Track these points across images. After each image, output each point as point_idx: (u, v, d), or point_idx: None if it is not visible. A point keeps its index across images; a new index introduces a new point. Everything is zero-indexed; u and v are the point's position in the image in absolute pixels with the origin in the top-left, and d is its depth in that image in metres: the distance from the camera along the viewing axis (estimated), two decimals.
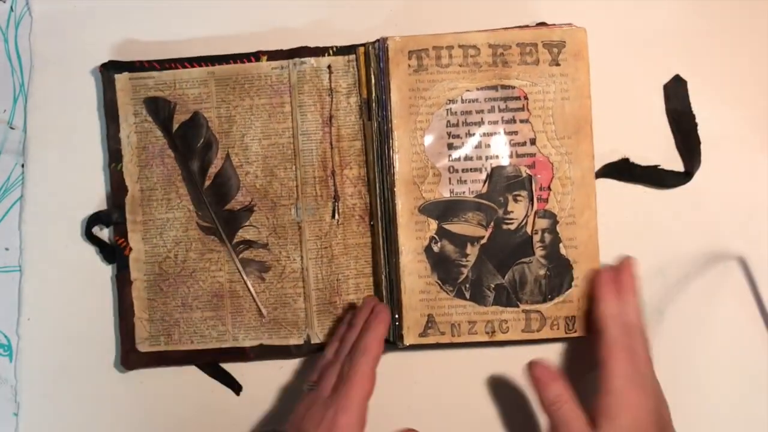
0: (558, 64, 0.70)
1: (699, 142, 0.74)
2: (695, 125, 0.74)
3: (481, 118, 0.71)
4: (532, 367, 0.65)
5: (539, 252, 0.71)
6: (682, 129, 0.74)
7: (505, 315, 0.71)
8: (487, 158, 0.71)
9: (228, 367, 0.75)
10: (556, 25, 0.71)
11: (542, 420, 0.73)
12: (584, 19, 0.71)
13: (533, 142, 0.71)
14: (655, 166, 0.74)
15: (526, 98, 0.71)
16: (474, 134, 0.71)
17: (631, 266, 0.69)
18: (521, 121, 0.71)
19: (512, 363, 0.73)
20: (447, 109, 0.71)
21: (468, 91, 0.71)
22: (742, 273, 0.74)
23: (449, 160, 0.71)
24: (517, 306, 0.71)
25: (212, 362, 0.75)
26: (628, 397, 0.62)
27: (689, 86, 0.75)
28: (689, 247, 0.74)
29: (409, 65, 0.71)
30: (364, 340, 0.66)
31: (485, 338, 0.71)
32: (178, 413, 0.75)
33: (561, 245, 0.71)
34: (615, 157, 0.74)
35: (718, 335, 0.74)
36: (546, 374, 0.64)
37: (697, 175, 0.74)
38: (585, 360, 0.71)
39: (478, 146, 0.71)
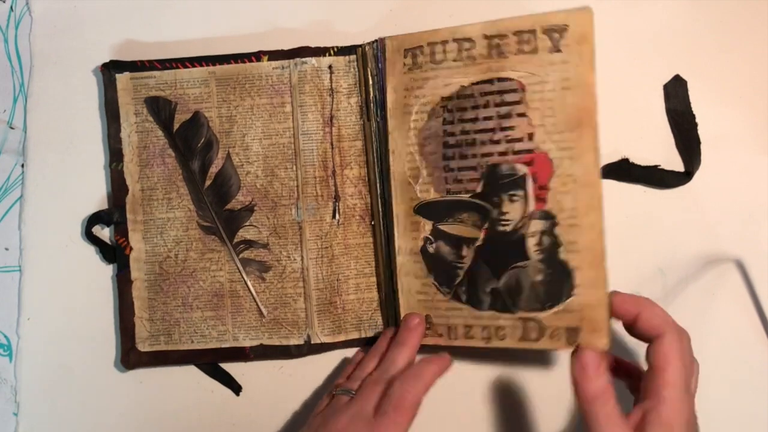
0: (559, 51, 0.65)
1: (699, 142, 0.74)
2: (695, 125, 0.74)
3: (477, 115, 0.68)
4: (579, 353, 0.60)
5: (536, 256, 0.66)
6: (682, 129, 0.74)
7: (501, 321, 0.67)
8: (482, 156, 0.68)
9: (228, 367, 0.75)
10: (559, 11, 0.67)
11: (542, 422, 0.73)
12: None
13: (531, 137, 0.66)
14: (655, 166, 0.74)
15: (523, 90, 0.66)
16: (469, 132, 0.68)
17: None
18: (518, 115, 0.66)
19: (511, 365, 0.74)
20: (442, 107, 0.69)
21: (463, 86, 0.68)
22: (741, 274, 0.74)
23: (444, 159, 0.69)
24: (513, 312, 0.67)
25: (212, 362, 0.74)
26: (681, 408, 0.58)
27: (689, 86, 0.75)
28: (689, 247, 0.74)
29: (405, 63, 0.70)
30: (424, 370, 0.64)
31: (481, 344, 0.68)
32: (178, 413, 0.75)
33: (560, 249, 0.65)
34: (615, 158, 0.74)
35: (717, 336, 0.73)
36: (594, 363, 0.59)
37: (697, 175, 0.74)
38: None
39: (473, 144, 0.68)
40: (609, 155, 0.74)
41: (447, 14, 0.75)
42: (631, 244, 0.74)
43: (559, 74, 0.65)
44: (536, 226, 0.66)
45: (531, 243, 0.66)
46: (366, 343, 0.74)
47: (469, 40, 0.68)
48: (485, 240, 0.68)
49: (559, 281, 0.65)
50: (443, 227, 0.69)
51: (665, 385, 0.58)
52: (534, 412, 0.73)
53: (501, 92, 0.67)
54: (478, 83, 0.68)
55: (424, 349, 0.71)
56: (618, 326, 0.64)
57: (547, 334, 0.66)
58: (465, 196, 0.68)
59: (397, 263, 0.71)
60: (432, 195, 0.69)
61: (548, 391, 0.73)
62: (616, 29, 0.75)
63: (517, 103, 0.66)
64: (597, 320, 0.64)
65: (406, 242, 0.70)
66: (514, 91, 0.66)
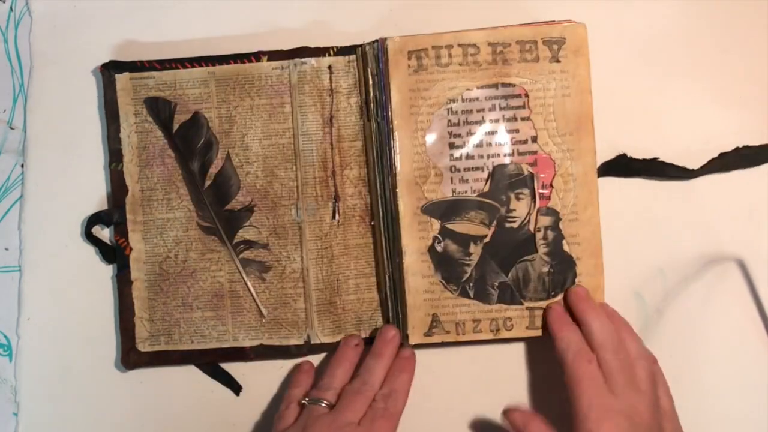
0: (558, 61, 0.70)
1: None
2: None
3: (482, 117, 0.71)
4: (508, 414, 0.67)
5: (542, 249, 0.71)
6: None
7: (509, 312, 0.71)
8: (488, 157, 0.71)
9: (228, 367, 0.75)
10: (556, 21, 0.71)
11: (546, 418, 0.73)
12: (583, 18, 0.71)
13: (534, 139, 0.71)
14: (654, 159, 0.74)
15: (526, 96, 0.71)
16: (475, 133, 0.71)
17: (578, 293, 0.70)
18: (522, 119, 0.71)
19: (516, 361, 0.74)
20: (448, 109, 0.71)
21: (468, 90, 0.71)
22: (742, 274, 0.74)
23: (451, 160, 0.71)
24: (521, 303, 0.71)
25: (212, 362, 0.74)
26: (600, 428, 0.62)
27: (689, 86, 0.75)
28: (689, 247, 0.74)
29: (409, 65, 0.71)
30: (404, 383, 0.69)
31: (490, 336, 0.71)
32: (178, 413, 0.75)
33: (564, 242, 0.71)
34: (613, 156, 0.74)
35: (718, 335, 0.74)
36: (523, 416, 0.66)
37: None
38: None
39: (480, 145, 0.71)
40: (610, 155, 0.74)
41: (447, 15, 0.75)
42: (631, 244, 0.74)
43: (558, 82, 0.70)
44: (542, 221, 0.71)
45: (538, 237, 0.71)
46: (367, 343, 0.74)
47: (473, 45, 0.71)
48: (493, 237, 0.71)
49: (563, 271, 0.71)
50: (451, 226, 0.71)
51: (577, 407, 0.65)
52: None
53: (505, 97, 0.71)
54: (483, 87, 0.71)
55: (431, 346, 0.72)
56: None
57: None
58: (473, 196, 0.71)
59: (403, 263, 0.71)
60: (439, 195, 0.71)
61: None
62: (617, 29, 0.75)
63: (521, 107, 0.71)
64: None
65: (413, 242, 0.71)
66: (517, 96, 0.71)
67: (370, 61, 0.72)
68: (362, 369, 0.69)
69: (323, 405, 0.67)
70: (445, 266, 0.71)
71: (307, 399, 0.68)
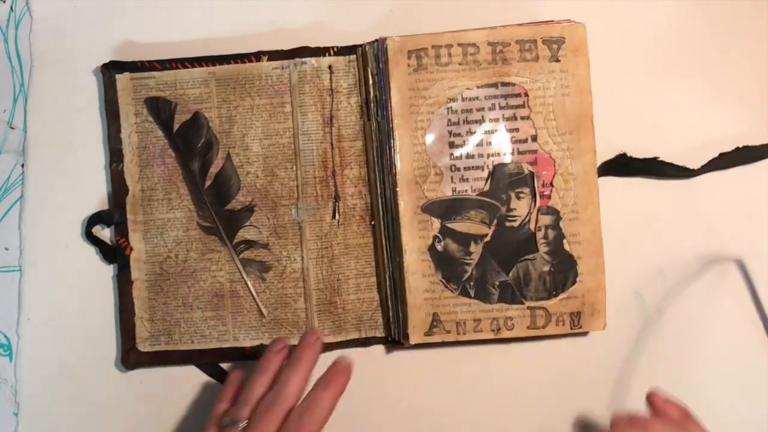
0: (558, 60, 0.71)
1: None
2: None
3: (482, 116, 0.71)
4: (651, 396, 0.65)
5: (543, 248, 0.71)
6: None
7: (510, 312, 0.71)
8: (488, 156, 0.71)
9: (228, 367, 0.75)
10: (555, 21, 0.71)
11: (546, 418, 0.73)
12: (583, 18, 0.71)
13: (534, 138, 0.71)
14: (654, 158, 0.74)
15: (526, 95, 0.71)
16: (475, 132, 0.71)
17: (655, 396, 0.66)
18: (522, 118, 0.71)
19: (517, 361, 0.74)
20: (447, 108, 0.71)
21: (468, 89, 0.71)
22: (742, 274, 0.74)
23: (451, 159, 0.71)
24: (522, 303, 0.71)
25: (212, 362, 0.74)
26: None
27: (689, 86, 0.75)
28: (689, 247, 0.74)
29: (409, 65, 0.71)
30: (322, 398, 0.61)
31: (491, 336, 0.72)
32: (178, 413, 0.74)
33: (564, 241, 0.71)
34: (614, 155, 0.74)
35: (718, 335, 0.74)
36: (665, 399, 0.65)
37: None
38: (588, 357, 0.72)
39: (480, 144, 0.71)
40: (610, 155, 0.74)
41: (447, 15, 0.75)
42: (631, 244, 0.74)
43: (558, 81, 0.70)
44: (543, 220, 0.71)
45: (538, 236, 0.71)
46: (363, 344, 0.74)
47: (473, 45, 0.71)
48: (493, 236, 0.71)
49: (564, 270, 0.71)
50: (451, 225, 0.71)
51: None
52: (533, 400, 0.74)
53: (505, 96, 0.72)
54: (483, 87, 0.72)
55: (431, 346, 0.72)
56: None
57: (553, 320, 0.72)
58: (473, 195, 0.71)
59: (404, 262, 0.71)
60: (439, 194, 0.71)
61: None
62: (617, 29, 0.75)
63: (521, 106, 0.71)
64: (597, 303, 0.72)
65: (413, 241, 0.71)
66: (517, 95, 0.71)
67: (370, 60, 0.72)
68: (278, 380, 0.64)
69: (239, 427, 0.61)
70: (446, 265, 0.71)
71: (223, 421, 0.63)
